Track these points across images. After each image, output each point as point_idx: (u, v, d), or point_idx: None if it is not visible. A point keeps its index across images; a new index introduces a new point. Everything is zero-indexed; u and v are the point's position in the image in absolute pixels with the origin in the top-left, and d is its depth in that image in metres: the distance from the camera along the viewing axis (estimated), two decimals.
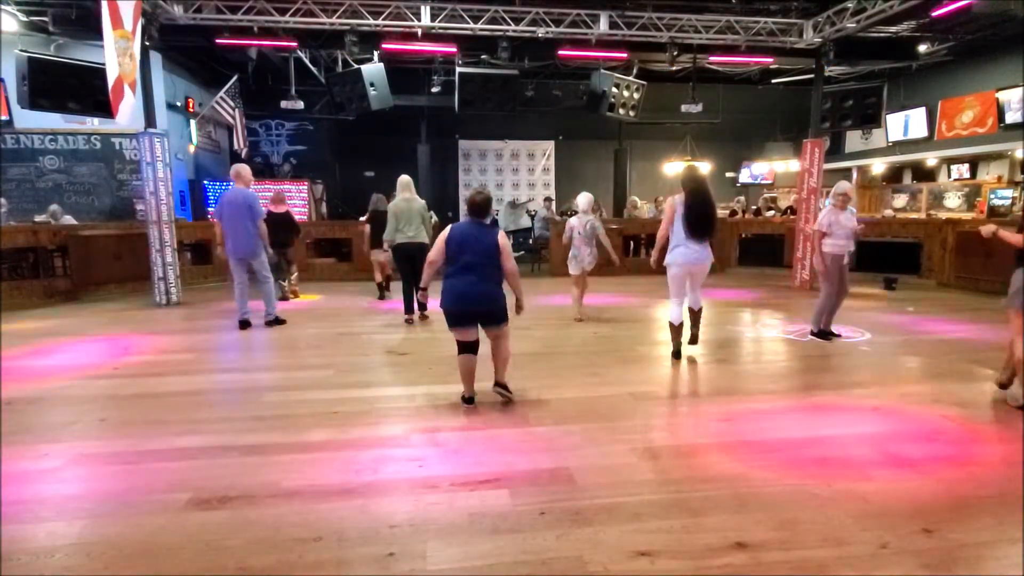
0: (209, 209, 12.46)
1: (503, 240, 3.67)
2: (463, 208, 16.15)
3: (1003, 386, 3.95)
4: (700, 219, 4.60)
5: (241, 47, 9.80)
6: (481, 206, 3.76)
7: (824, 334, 5.68)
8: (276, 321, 6.46)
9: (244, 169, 6.40)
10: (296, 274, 8.54)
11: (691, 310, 4.99)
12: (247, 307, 6.36)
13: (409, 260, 6.35)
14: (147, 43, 7.38)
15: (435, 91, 12.77)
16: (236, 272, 6.30)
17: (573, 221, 6.37)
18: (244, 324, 6.30)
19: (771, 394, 4.06)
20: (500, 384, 3.82)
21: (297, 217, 9.00)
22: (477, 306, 3.66)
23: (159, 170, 7.66)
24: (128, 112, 6.72)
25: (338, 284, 9.76)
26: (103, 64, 6.87)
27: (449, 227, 3.78)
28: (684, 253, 4.66)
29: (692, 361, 4.95)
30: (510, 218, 14.65)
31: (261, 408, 3.83)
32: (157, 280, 7.77)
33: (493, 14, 8.51)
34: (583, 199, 6.39)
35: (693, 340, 5.09)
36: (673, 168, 15.88)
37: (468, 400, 3.84)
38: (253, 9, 8.09)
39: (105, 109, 7.20)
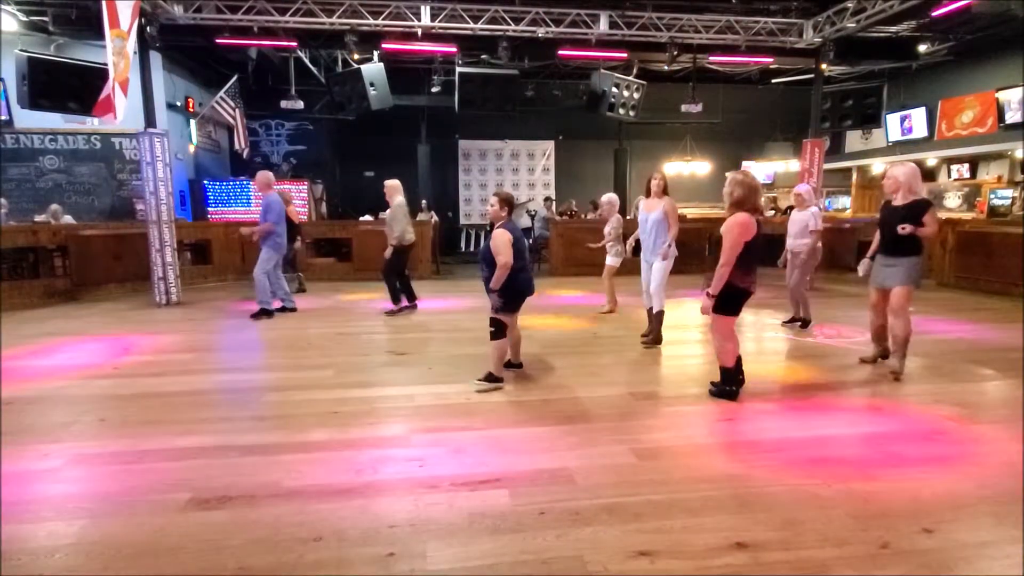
0: (210, 209, 12.49)
1: (494, 236, 4.00)
2: (463, 208, 16.17)
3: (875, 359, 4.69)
4: None
5: (241, 47, 9.80)
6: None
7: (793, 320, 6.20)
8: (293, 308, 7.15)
9: (271, 175, 6.99)
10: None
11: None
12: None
13: None
14: (153, 46, 7.38)
15: (435, 91, 12.76)
16: (277, 266, 6.88)
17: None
18: (271, 314, 6.80)
19: (771, 394, 4.06)
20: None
21: (298, 217, 9.09)
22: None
23: (159, 170, 7.66)
24: (121, 111, 6.67)
25: (338, 284, 9.75)
26: (103, 64, 6.85)
27: None
28: None
29: (692, 361, 4.95)
30: None
31: (261, 408, 3.83)
32: (157, 280, 7.76)
33: (493, 14, 8.51)
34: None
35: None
36: (674, 168, 15.89)
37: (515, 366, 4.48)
38: (253, 9, 8.10)
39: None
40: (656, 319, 5.37)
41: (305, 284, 8.90)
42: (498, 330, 4.07)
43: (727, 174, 3.93)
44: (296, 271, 8.66)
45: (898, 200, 4.26)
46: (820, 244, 6.11)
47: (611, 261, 6.91)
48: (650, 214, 5.24)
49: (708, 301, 3.73)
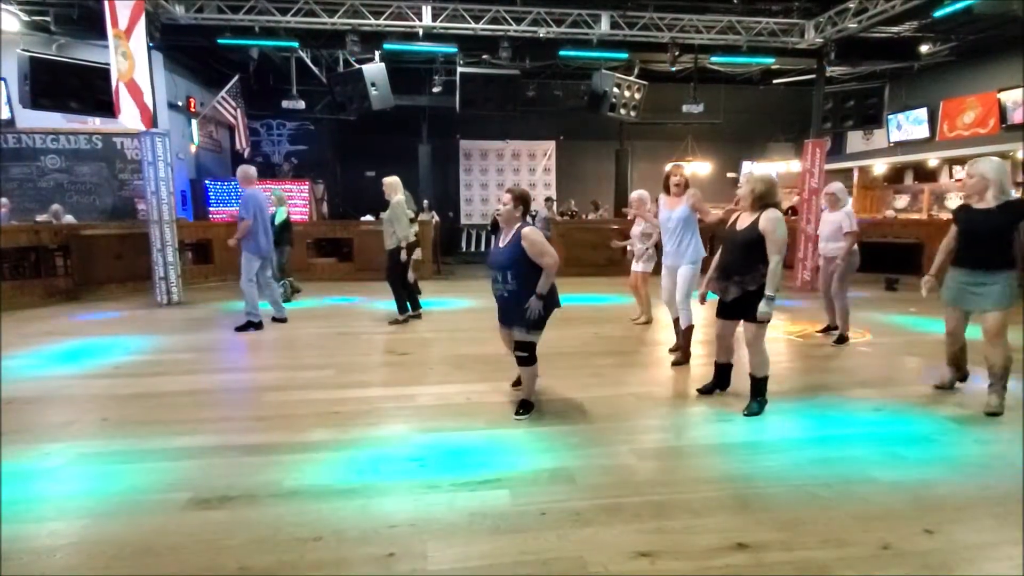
0: (211, 209, 12.50)
1: (524, 235, 3.42)
2: (464, 208, 16.17)
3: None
4: None
5: (242, 47, 9.80)
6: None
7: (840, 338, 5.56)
8: (284, 319, 6.54)
9: (253, 170, 6.33)
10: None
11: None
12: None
13: None
14: (151, 44, 7.39)
15: (436, 91, 12.76)
16: (257, 273, 6.14)
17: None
18: (259, 326, 6.19)
19: (773, 394, 4.04)
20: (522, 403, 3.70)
21: (298, 217, 9.06)
22: (500, 304, 3.63)
23: (160, 170, 7.66)
24: (129, 112, 6.72)
25: (339, 284, 9.76)
26: (104, 64, 6.86)
27: None
28: None
29: (694, 362, 4.94)
30: None
31: (262, 408, 3.83)
32: (158, 280, 7.77)
33: (494, 14, 8.51)
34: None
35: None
36: None
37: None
38: (254, 9, 8.11)
39: (106, 109, 7.23)
40: (684, 334, 4.84)
41: (298, 285, 8.33)
42: (531, 354, 3.57)
43: (743, 173, 3.77)
44: (284, 276, 8.00)
45: (986, 202, 3.54)
46: (856, 246, 5.47)
47: (638, 267, 6.27)
48: (674, 212, 4.75)
49: (769, 306, 3.48)
